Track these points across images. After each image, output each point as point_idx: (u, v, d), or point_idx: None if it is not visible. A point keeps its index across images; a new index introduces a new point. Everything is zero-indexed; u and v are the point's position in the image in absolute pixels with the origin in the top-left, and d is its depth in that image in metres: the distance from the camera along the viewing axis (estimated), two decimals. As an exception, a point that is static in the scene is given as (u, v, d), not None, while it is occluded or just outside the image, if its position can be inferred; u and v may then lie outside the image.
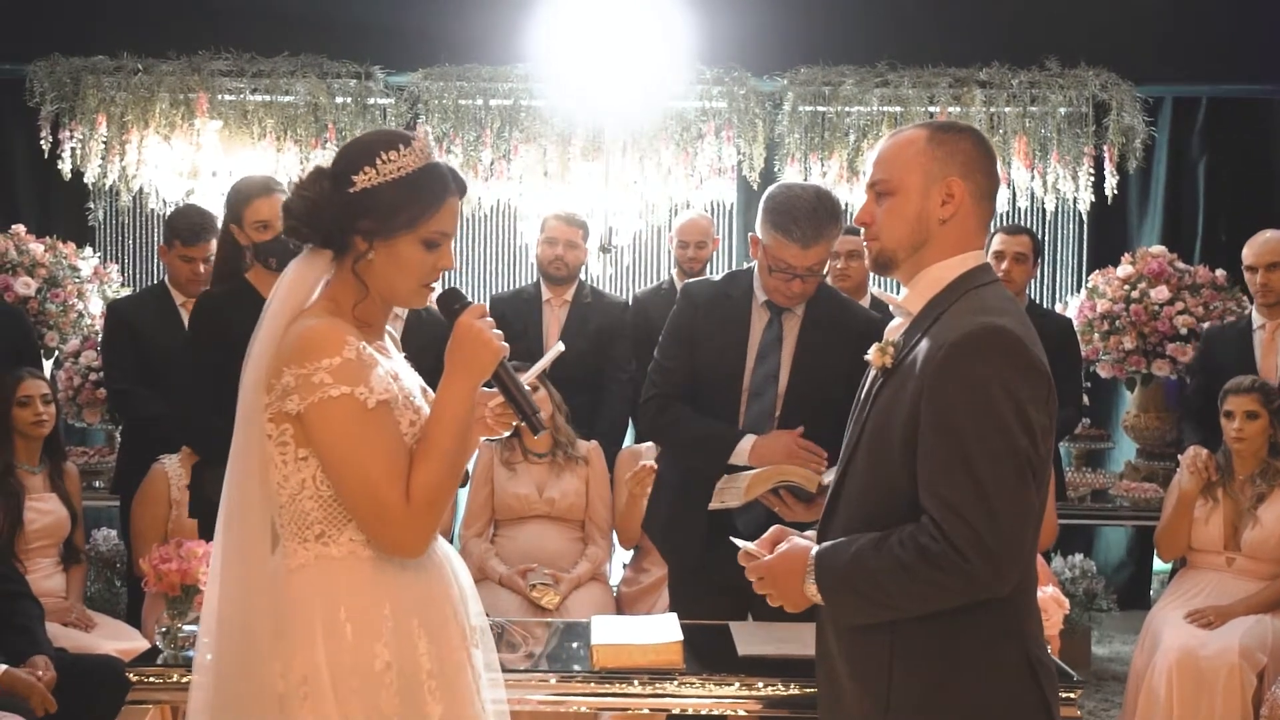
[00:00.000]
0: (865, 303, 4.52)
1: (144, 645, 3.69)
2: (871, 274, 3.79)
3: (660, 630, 3.06)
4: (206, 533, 3.30)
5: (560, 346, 2.39)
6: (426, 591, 2.15)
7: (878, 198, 2.18)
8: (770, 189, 3.30)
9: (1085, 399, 5.48)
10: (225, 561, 2.13)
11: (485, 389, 2.21)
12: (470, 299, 2.17)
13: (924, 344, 2.06)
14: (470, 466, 4.47)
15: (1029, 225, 6.54)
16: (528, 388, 2.23)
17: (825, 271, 4.76)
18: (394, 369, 2.15)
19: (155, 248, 6.00)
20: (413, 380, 2.22)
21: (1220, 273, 5.69)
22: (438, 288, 2.21)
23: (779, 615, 2.87)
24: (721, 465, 3.23)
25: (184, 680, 3.02)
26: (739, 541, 2.29)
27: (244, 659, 2.08)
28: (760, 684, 2.92)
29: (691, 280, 3.70)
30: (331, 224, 2.10)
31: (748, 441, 3.22)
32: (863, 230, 2.21)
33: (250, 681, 2.07)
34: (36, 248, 5.67)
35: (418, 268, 2.13)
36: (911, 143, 2.16)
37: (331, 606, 2.06)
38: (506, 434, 2.39)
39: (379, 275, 2.12)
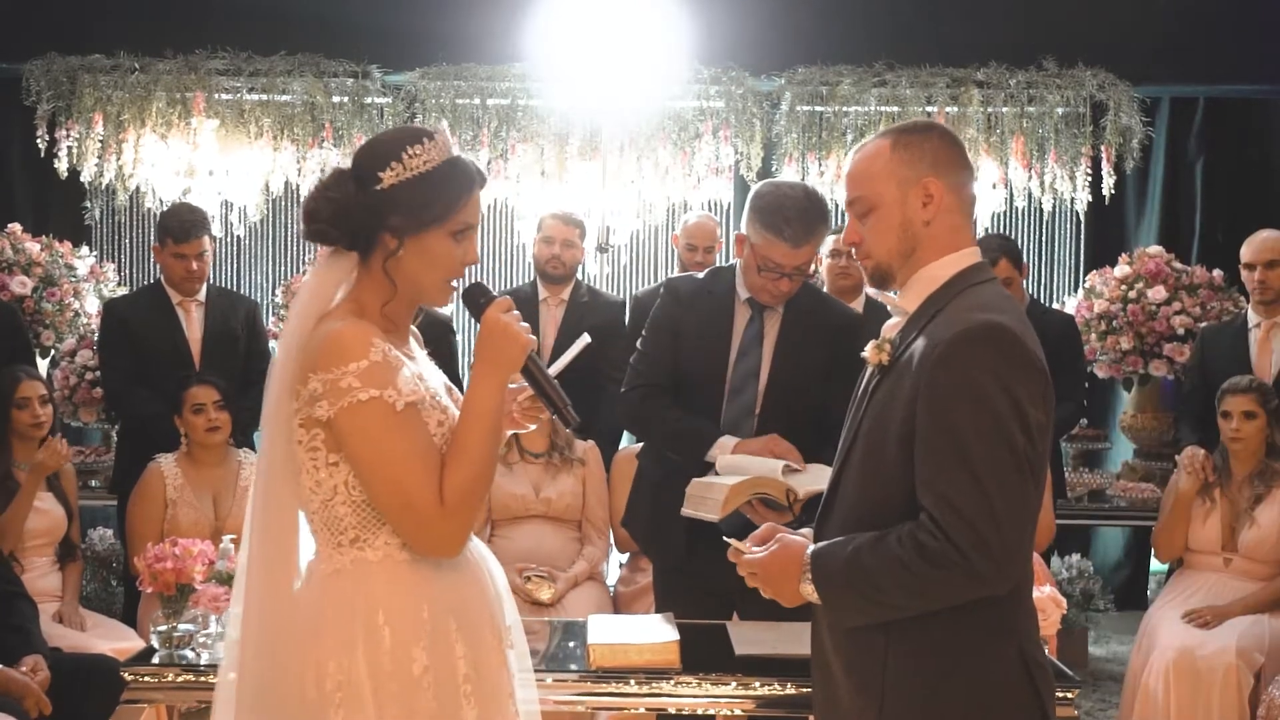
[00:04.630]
0: (859, 302, 4.51)
1: (139, 645, 3.68)
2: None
3: (657, 630, 3.06)
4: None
5: (586, 338, 2.36)
6: (463, 592, 2.13)
7: (860, 217, 2.17)
8: (757, 187, 3.28)
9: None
10: (253, 565, 2.10)
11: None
12: (495, 294, 2.16)
13: (921, 341, 2.05)
14: None
15: (1027, 225, 6.58)
16: (556, 381, 2.21)
17: (824, 270, 4.79)
18: (419, 369, 2.14)
19: (151, 247, 5.99)
20: (437, 380, 2.20)
21: (1218, 273, 5.69)
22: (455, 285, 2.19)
23: (766, 616, 2.88)
24: (698, 461, 3.23)
25: (179, 680, 3.02)
26: (728, 539, 2.28)
27: (273, 664, 2.06)
28: (757, 683, 2.92)
29: (675, 276, 3.68)
30: (360, 224, 2.08)
31: (729, 441, 3.20)
32: (854, 250, 2.20)
33: (279, 687, 2.05)
34: (33, 246, 5.66)
35: (447, 262, 2.11)
36: (878, 154, 2.15)
37: (370, 611, 2.04)
38: (532, 427, 2.38)
39: (408, 272, 2.10)
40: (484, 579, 2.20)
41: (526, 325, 2.12)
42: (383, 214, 2.07)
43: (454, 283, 2.16)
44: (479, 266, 6.67)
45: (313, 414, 2.02)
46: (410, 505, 2.01)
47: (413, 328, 2.27)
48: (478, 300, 2.13)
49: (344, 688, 2.01)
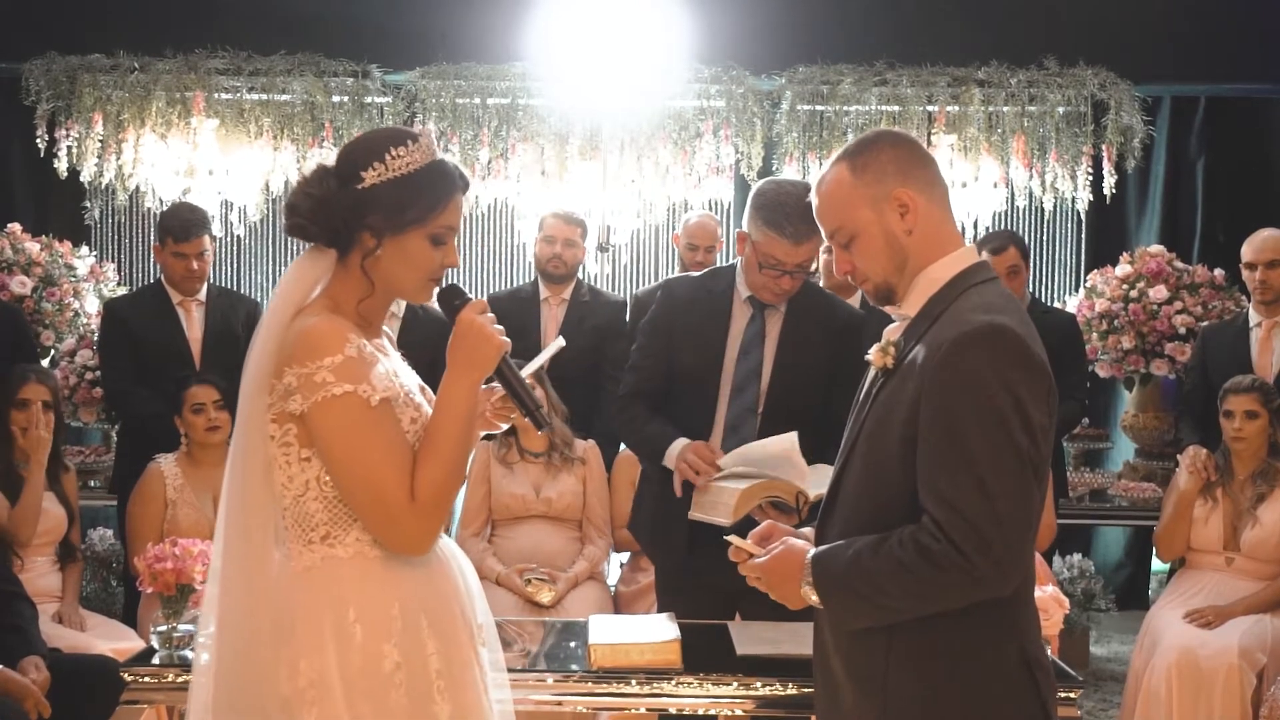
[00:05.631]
0: (856, 298, 4.51)
1: (139, 645, 3.67)
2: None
3: (658, 630, 3.05)
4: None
5: (560, 341, 2.37)
6: (434, 590, 2.14)
7: (844, 247, 2.17)
8: (758, 185, 3.29)
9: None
10: (227, 563, 2.11)
11: (483, 384, 2.20)
12: (471, 295, 2.17)
13: (924, 343, 2.05)
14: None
15: (1028, 224, 6.57)
16: (530, 383, 2.22)
17: (819, 265, 4.79)
18: (393, 367, 2.14)
19: (151, 246, 5.99)
20: (410, 378, 2.21)
21: (1219, 272, 5.69)
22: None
23: (768, 615, 2.87)
24: (658, 467, 3.27)
25: (180, 680, 3.01)
26: (729, 536, 2.28)
27: (247, 661, 2.06)
28: (758, 684, 2.91)
29: (673, 276, 3.69)
30: (340, 221, 2.09)
31: (676, 446, 3.24)
32: (851, 277, 2.20)
33: (253, 685, 2.05)
34: (32, 246, 5.66)
35: (425, 263, 2.12)
36: (839, 183, 2.14)
37: (341, 608, 2.04)
38: (505, 427, 2.38)
39: (386, 272, 2.11)
40: (455, 576, 2.20)
41: (501, 327, 2.12)
42: (363, 213, 2.08)
43: (437, 281, 2.16)
44: (482, 266, 6.69)
45: (286, 408, 2.02)
46: (382, 501, 2.02)
47: (385, 329, 2.27)
48: (452, 302, 2.14)
49: (316, 685, 2.01)
